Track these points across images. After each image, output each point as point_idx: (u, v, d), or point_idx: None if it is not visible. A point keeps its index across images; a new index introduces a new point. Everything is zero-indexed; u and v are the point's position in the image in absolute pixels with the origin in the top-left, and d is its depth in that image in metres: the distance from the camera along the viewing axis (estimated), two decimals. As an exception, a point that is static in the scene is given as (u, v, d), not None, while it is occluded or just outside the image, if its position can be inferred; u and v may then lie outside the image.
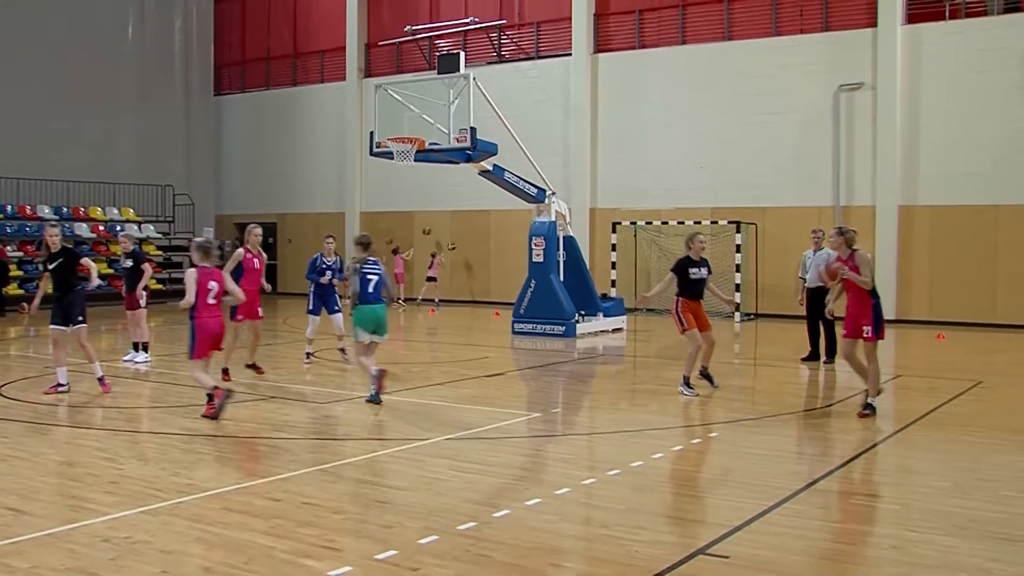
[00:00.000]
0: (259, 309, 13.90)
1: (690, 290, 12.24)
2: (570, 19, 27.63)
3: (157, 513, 6.93)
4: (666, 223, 25.47)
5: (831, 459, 9.08)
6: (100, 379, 12.34)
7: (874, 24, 23.59)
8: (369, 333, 11.64)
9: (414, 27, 29.96)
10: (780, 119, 24.51)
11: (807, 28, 24.63)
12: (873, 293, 10.69)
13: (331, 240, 15.64)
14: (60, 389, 12.06)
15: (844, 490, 7.83)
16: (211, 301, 10.50)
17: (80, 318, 12.06)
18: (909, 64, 23.20)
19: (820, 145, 24.15)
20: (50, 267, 12.08)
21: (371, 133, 19.63)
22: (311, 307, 15.43)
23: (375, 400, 11.36)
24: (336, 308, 15.43)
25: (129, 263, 15.63)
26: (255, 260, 13.69)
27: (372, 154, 19.72)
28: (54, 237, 12.12)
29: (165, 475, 8.04)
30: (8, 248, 27.15)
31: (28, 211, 29.15)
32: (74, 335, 12.10)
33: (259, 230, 13.86)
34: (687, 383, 12.09)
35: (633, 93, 26.71)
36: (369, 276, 11.59)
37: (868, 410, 10.66)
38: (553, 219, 20.65)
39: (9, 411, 11.12)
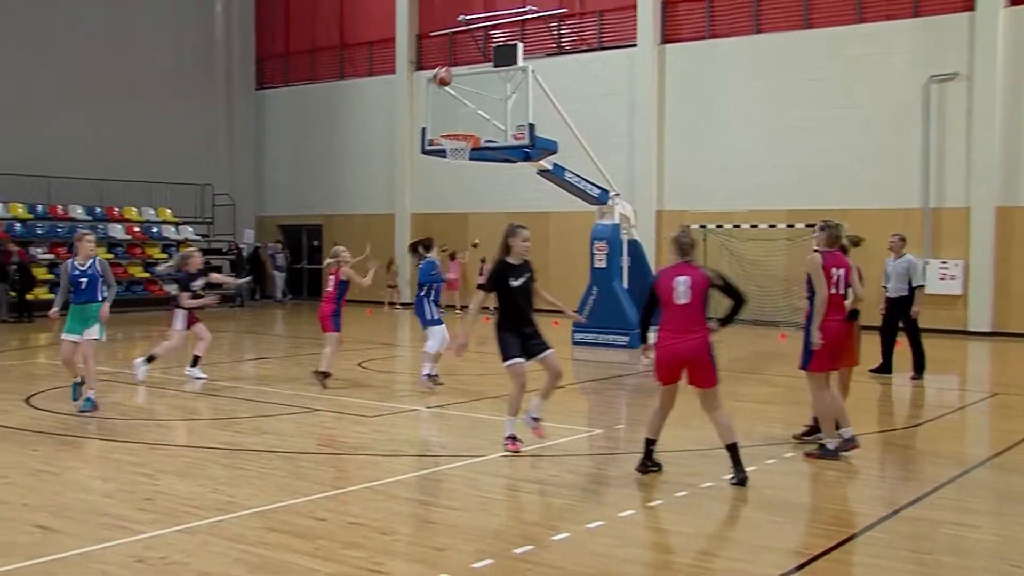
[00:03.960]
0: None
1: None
2: (635, 8, 27.55)
3: (195, 532, 7.00)
4: (738, 226, 25.28)
5: (919, 484, 8.93)
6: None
7: (972, 7, 23.20)
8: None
9: (468, 17, 30.04)
10: (864, 113, 24.21)
11: (894, 14, 24.31)
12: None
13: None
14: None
15: (933, 518, 7.69)
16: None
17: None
18: (1012, 51, 22.78)
19: (908, 141, 23.82)
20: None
21: (423, 130, 19.71)
22: (433, 317, 14.24)
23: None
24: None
25: (201, 282, 15.66)
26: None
27: (424, 152, 19.80)
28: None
29: (204, 492, 8.12)
30: (39, 250, 27.64)
31: (60, 211, 29.69)
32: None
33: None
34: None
35: (703, 86, 26.56)
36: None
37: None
38: (617, 222, 20.58)
39: (39, 422, 11.31)
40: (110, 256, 29.25)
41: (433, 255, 14.54)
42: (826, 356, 9.36)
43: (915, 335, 15.08)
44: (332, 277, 14.38)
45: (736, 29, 26.49)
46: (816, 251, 9.54)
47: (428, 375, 14.00)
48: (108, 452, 9.84)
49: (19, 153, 28.36)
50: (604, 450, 10.34)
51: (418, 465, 9.40)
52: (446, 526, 7.19)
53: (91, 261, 12.16)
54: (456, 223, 30.72)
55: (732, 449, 8.43)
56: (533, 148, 18.59)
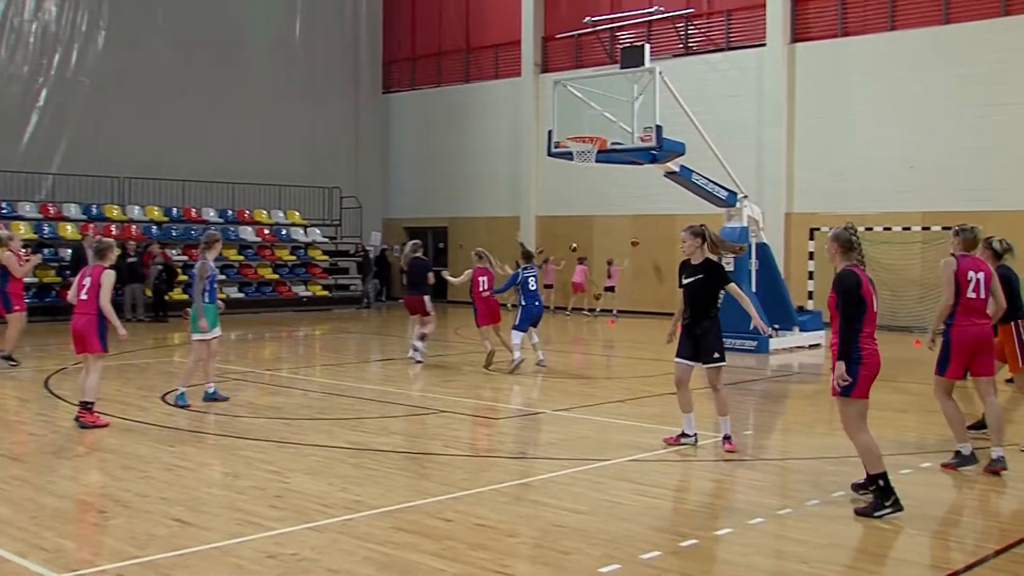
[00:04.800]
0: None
1: None
2: (764, 6, 27.16)
3: (324, 530, 7.15)
4: (871, 229, 24.68)
5: (1067, 497, 8.59)
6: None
7: None
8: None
9: (594, 18, 30.04)
10: (1009, 112, 23.38)
11: (1041, 7, 23.45)
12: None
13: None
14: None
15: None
16: None
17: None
18: None
19: (1054, 141, 22.94)
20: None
21: (549, 132, 19.76)
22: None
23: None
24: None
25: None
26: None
27: (550, 154, 19.85)
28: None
29: (333, 490, 8.29)
30: (172, 252, 28.55)
31: (193, 214, 30.64)
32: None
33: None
34: None
35: (835, 85, 26.04)
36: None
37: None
38: (745, 224, 20.33)
39: (174, 419, 11.69)
40: (240, 258, 30.08)
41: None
42: (958, 363, 9.07)
43: None
44: (485, 278, 16.39)
45: (869, 26, 25.89)
46: (952, 255, 9.23)
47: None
48: (239, 449, 10.11)
49: (155, 158, 29.34)
50: (731, 456, 10.21)
51: (545, 468, 9.42)
52: (573, 530, 7.19)
53: None
54: (581, 226, 30.72)
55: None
56: (660, 150, 18.48)
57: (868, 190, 25.20)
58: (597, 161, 19.14)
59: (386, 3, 36.90)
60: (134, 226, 28.76)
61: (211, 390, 12.78)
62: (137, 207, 29.67)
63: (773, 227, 25.47)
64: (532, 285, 16.39)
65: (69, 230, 27.10)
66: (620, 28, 30.27)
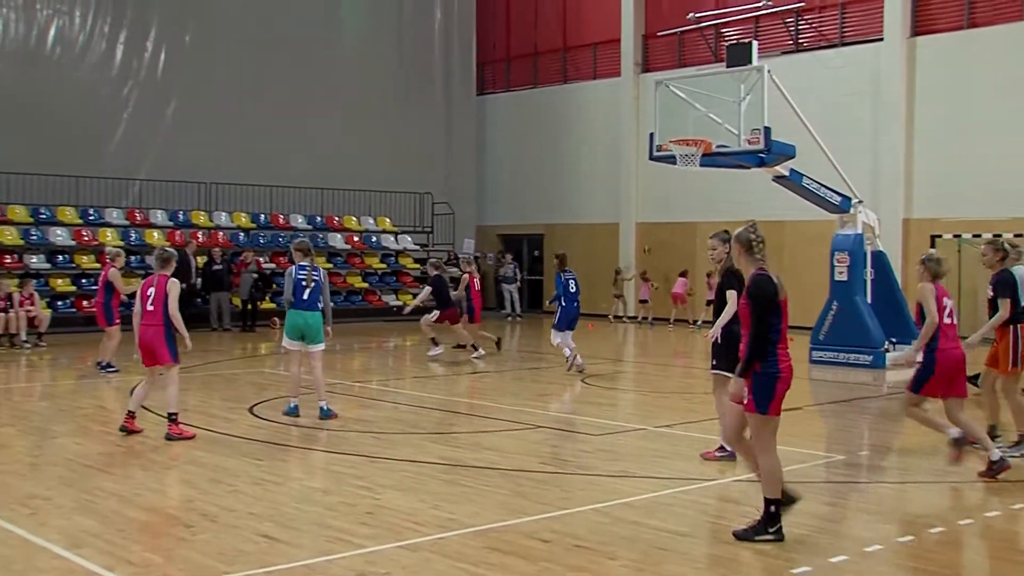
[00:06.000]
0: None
1: None
2: (882, -2, 26.76)
3: (417, 549, 7.19)
4: (999, 235, 24.02)
5: None
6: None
7: None
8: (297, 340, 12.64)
9: (698, 15, 29.85)
10: None
11: None
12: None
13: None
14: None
15: None
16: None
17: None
18: None
19: None
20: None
21: (650, 135, 19.68)
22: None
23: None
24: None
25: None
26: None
27: (652, 158, 19.76)
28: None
29: (425, 507, 8.34)
30: (261, 259, 29.03)
31: (281, 220, 31.14)
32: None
33: None
34: None
35: (960, 82, 25.47)
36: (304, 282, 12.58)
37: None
38: (859, 231, 20.01)
39: (262, 432, 11.88)
40: (329, 265, 30.46)
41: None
42: (939, 385, 9.76)
43: None
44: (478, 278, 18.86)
45: (999, 16, 25.27)
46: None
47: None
48: (328, 464, 10.24)
49: (242, 163, 29.89)
50: (845, 478, 10.05)
51: (645, 487, 9.36)
52: (675, 552, 7.14)
53: None
54: (684, 233, 30.51)
55: None
56: (768, 153, 18.27)
57: (995, 193, 24.56)
58: (702, 165, 18.99)
59: (480, 3, 37.06)
60: (221, 233, 29.34)
61: (293, 405, 12.92)
62: (224, 213, 30.26)
63: (890, 234, 24.98)
64: (572, 288, 17.99)
65: (156, 237, 27.72)
66: (725, 25, 30.03)
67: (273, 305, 27.28)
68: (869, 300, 19.78)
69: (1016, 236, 23.23)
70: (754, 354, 7.42)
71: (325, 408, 12.60)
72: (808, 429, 12.84)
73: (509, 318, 32.32)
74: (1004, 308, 10.48)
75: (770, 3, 28.61)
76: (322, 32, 32.43)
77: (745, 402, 7.53)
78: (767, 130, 17.98)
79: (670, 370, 19.62)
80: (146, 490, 9.01)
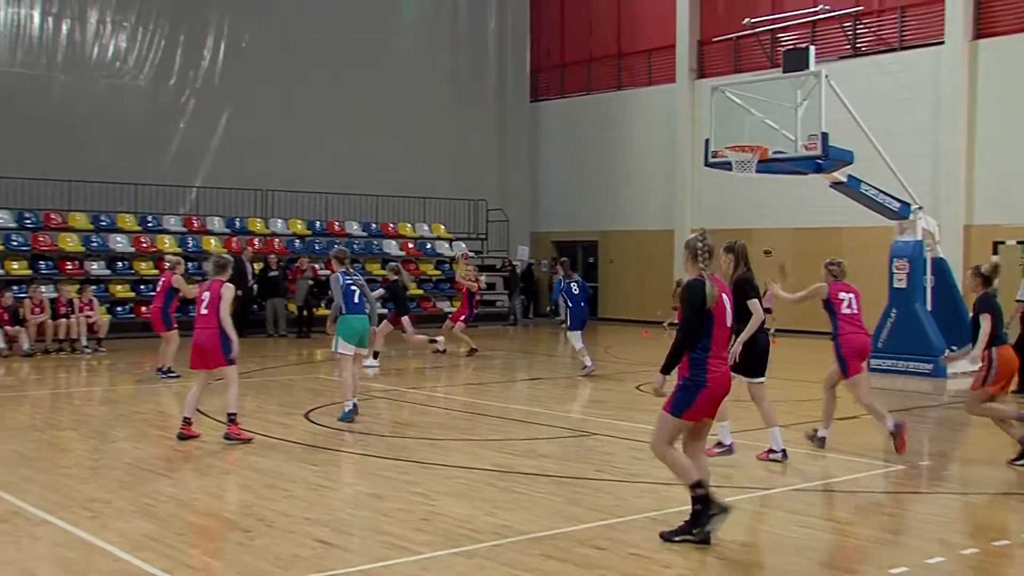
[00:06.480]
0: None
1: None
2: (942, 1, 26.43)
3: (472, 556, 7.21)
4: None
5: None
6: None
7: None
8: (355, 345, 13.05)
9: (753, 20, 29.67)
10: None
11: None
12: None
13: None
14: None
15: None
16: None
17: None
18: None
19: None
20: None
21: (706, 141, 19.61)
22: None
23: None
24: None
25: None
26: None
27: (707, 164, 19.69)
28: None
29: (479, 514, 8.35)
30: (316, 265, 29.22)
31: (336, 227, 31.36)
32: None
33: None
34: None
35: (1023, 85, 25.11)
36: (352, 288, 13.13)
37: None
38: (919, 238, 19.79)
39: (317, 437, 11.97)
40: (383, 272, 30.58)
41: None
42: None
43: None
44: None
45: (1068, 17, 24.90)
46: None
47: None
48: (383, 470, 10.28)
49: (297, 170, 30.16)
50: (905, 488, 9.93)
51: (701, 496, 9.31)
52: (733, 563, 7.10)
53: None
54: (740, 239, 30.27)
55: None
56: (826, 159, 18.14)
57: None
58: (758, 171, 18.88)
59: (534, 10, 37.14)
60: (277, 239, 29.60)
61: (352, 406, 13.06)
62: (280, 220, 30.54)
63: (950, 240, 24.66)
64: (575, 290, 19.14)
65: (213, 243, 28.05)
66: (782, 30, 29.83)
67: (328, 311, 27.39)
68: (929, 307, 19.56)
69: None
70: (673, 355, 7.54)
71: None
72: (867, 438, 12.68)
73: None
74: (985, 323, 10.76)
75: (828, 7, 28.39)
76: (378, 40, 32.61)
77: (665, 399, 7.63)
78: (824, 136, 17.85)
79: (733, 379, 19.48)
80: (204, 494, 9.11)
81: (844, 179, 19.10)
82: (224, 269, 11.78)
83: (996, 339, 10.73)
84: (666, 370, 7.60)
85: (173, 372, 17.35)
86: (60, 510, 8.39)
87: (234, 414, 11.50)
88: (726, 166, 19.01)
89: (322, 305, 28.01)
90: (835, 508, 8.96)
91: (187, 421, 11.62)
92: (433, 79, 34.02)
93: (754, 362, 10.73)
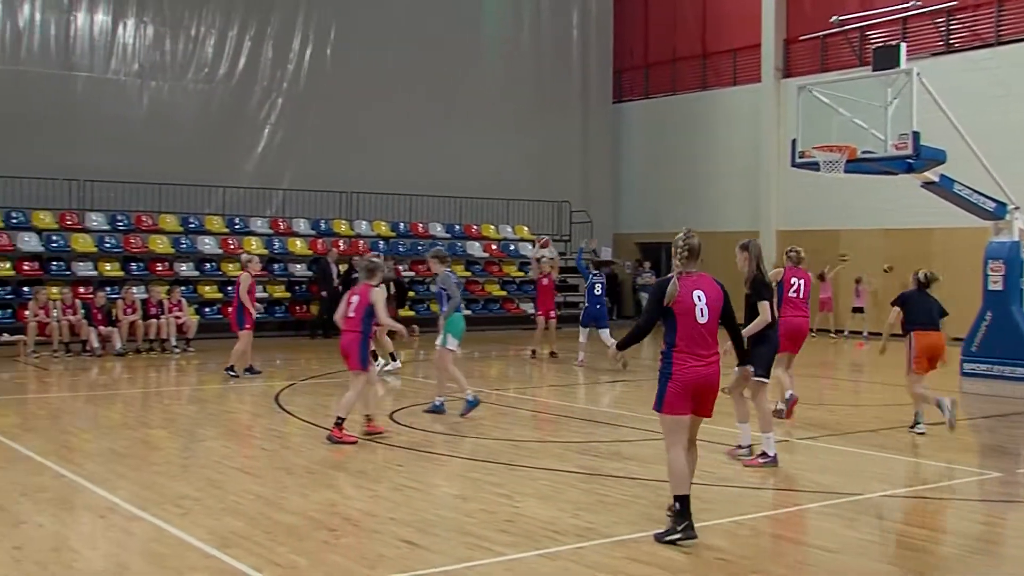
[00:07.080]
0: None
1: None
2: (1039, -6, 25.88)
3: (556, 558, 7.21)
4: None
5: None
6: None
7: None
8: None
9: (842, 17, 29.29)
10: None
11: None
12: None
13: None
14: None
15: None
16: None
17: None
18: None
19: None
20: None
21: (792, 141, 19.37)
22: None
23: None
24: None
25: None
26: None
27: (794, 165, 19.45)
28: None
29: (564, 516, 8.35)
30: (400, 267, 29.45)
31: (420, 229, 31.57)
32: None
33: None
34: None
35: None
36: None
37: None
38: (1015, 238, 19.34)
39: (402, 438, 12.05)
40: (467, 274, 30.73)
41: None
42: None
43: None
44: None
45: None
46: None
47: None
48: (468, 471, 10.32)
49: (381, 173, 30.41)
50: (1000, 496, 9.72)
51: (788, 500, 9.22)
52: (821, 569, 7.01)
53: None
54: (826, 240, 29.88)
55: None
56: (917, 159, 17.80)
57: None
58: (846, 171, 18.58)
59: (617, 10, 37.01)
60: (361, 241, 29.86)
61: (439, 402, 13.43)
62: (365, 222, 30.80)
63: (1047, 242, 24.13)
64: (597, 291, 20.53)
65: (299, 245, 28.39)
66: (871, 27, 29.40)
67: (412, 312, 27.60)
68: (1024, 310, 19.13)
69: None
70: (627, 339, 8.05)
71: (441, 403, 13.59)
72: (960, 444, 12.45)
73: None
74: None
75: (919, 3, 27.90)
76: (461, 42, 32.77)
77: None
78: (915, 135, 17.52)
79: (814, 381, 19.24)
80: (290, 493, 9.22)
81: (936, 179, 18.75)
82: (373, 273, 11.94)
83: None
84: (620, 347, 8.24)
85: (234, 372, 17.64)
86: (152, 506, 8.57)
87: (343, 419, 11.62)
88: (813, 166, 18.75)
89: (405, 306, 28.23)
90: (926, 515, 8.80)
91: (339, 422, 11.66)
92: (516, 81, 34.09)
93: (764, 360, 10.68)
